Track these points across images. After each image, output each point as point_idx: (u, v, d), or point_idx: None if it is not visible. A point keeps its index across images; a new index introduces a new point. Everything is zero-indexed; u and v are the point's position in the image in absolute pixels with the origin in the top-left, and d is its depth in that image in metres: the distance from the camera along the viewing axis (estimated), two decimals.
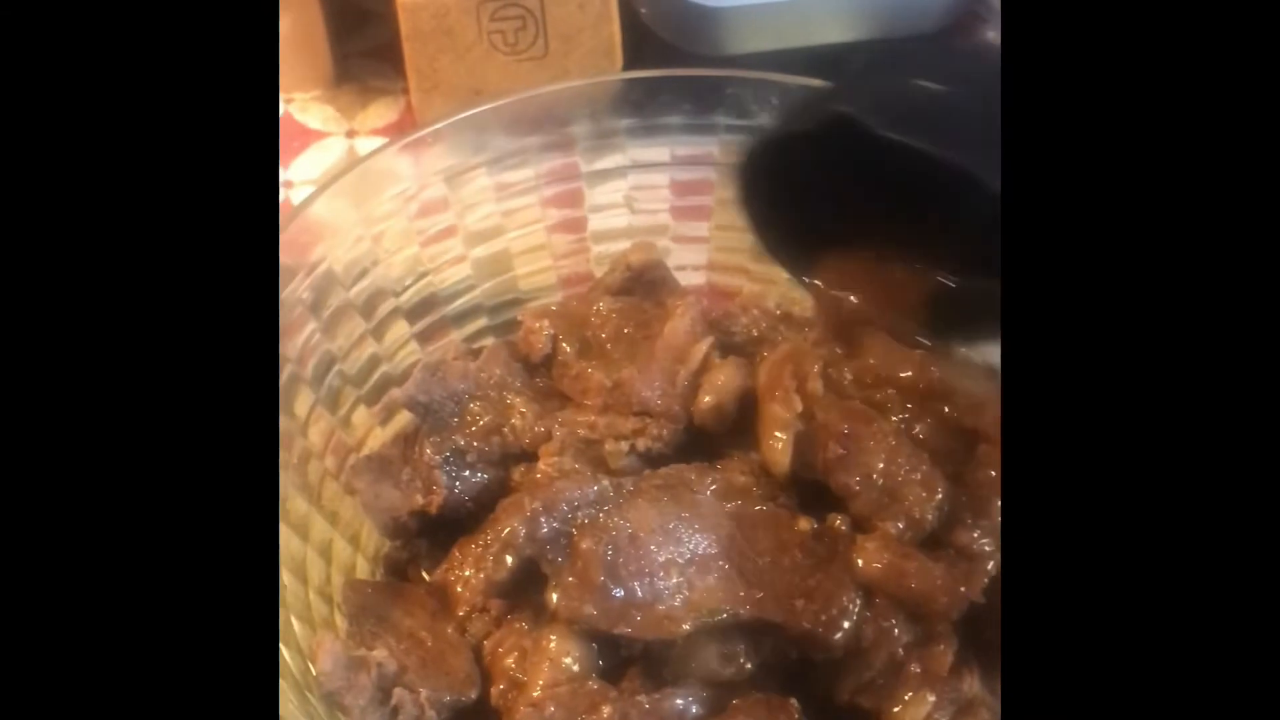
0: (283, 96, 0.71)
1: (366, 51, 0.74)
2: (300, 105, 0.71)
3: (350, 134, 0.70)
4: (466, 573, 0.42)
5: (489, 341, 0.50)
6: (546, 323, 0.46)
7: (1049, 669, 0.27)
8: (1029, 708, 0.27)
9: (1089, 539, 0.27)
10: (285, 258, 0.46)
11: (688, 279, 0.52)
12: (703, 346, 0.45)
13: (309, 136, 0.70)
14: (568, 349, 0.46)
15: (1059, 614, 0.27)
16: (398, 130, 0.69)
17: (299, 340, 0.46)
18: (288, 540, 0.43)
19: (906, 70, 0.34)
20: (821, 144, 0.35)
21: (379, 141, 0.69)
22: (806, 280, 0.44)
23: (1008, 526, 0.29)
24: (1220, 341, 0.27)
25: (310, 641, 0.39)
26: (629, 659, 0.39)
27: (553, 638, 0.39)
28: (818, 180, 0.39)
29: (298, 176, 0.68)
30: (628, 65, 0.66)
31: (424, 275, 0.50)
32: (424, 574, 0.45)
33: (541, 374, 0.46)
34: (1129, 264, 0.28)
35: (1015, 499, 0.28)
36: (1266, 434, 0.26)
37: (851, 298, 0.43)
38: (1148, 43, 0.28)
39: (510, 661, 0.40)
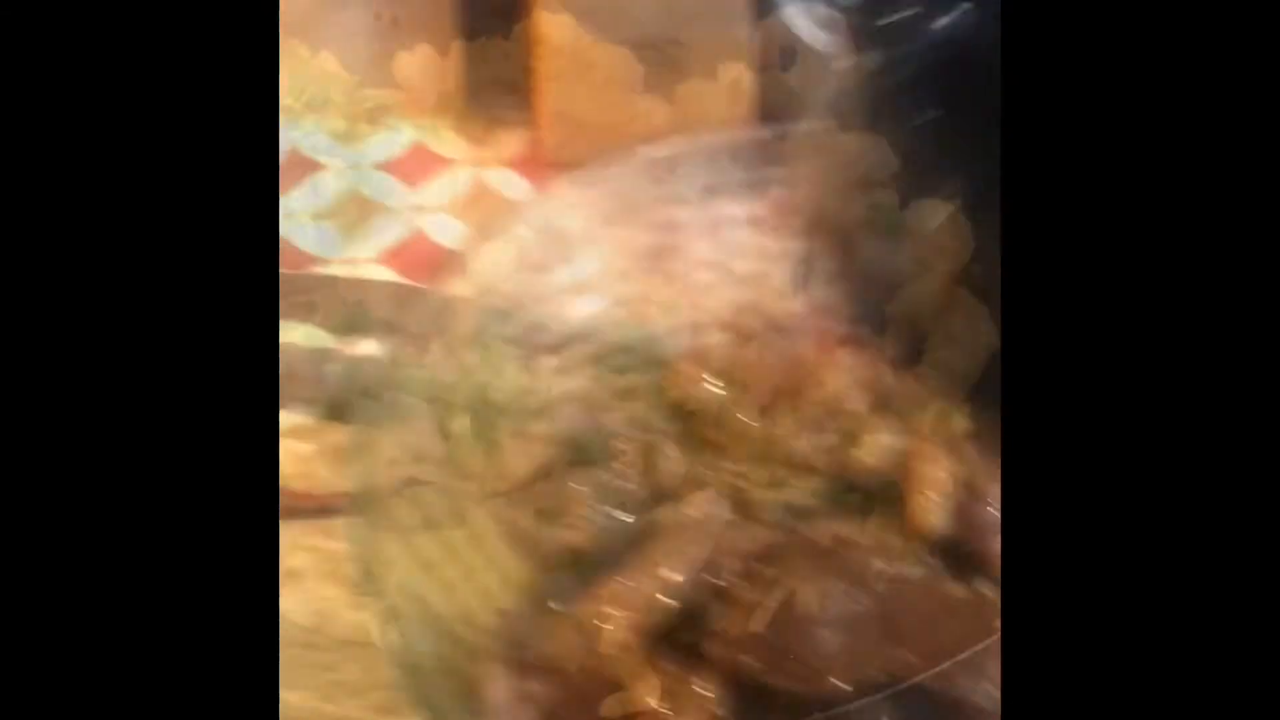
0: (414, 123, 0.72)
1: (498, 81, 0.75)
2: (431, 132, 0.72)
3: (479, 163, 0.71)
4: (615, 612, 0.42)
5: (639, 380, 0.50)
6: (698, 368, 0.46)
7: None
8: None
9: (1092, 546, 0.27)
10: (430, 285, 0.46)
11: None
12: (857, 401, 0.44)
13: (438, 164, 0.71)
14: (720, 395, 0.46)
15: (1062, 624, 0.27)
16: (528, 162, 0.70)
17: (452, 365, 0.46)
18: (430, 570, 0.43)
19: None
20: None
21: (507, 173, 0.70)
22: None
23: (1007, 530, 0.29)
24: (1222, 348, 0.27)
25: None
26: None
27: (704, 685, 0.39)
28: None
29: (428, 202, 0.68)
30: None
31: (569, 311, 0.51)
32: (570, 610, 0.45)
33: (692, 420, 0.46)
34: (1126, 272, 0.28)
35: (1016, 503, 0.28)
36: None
37: None
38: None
39: (657, 705, 0.40)
